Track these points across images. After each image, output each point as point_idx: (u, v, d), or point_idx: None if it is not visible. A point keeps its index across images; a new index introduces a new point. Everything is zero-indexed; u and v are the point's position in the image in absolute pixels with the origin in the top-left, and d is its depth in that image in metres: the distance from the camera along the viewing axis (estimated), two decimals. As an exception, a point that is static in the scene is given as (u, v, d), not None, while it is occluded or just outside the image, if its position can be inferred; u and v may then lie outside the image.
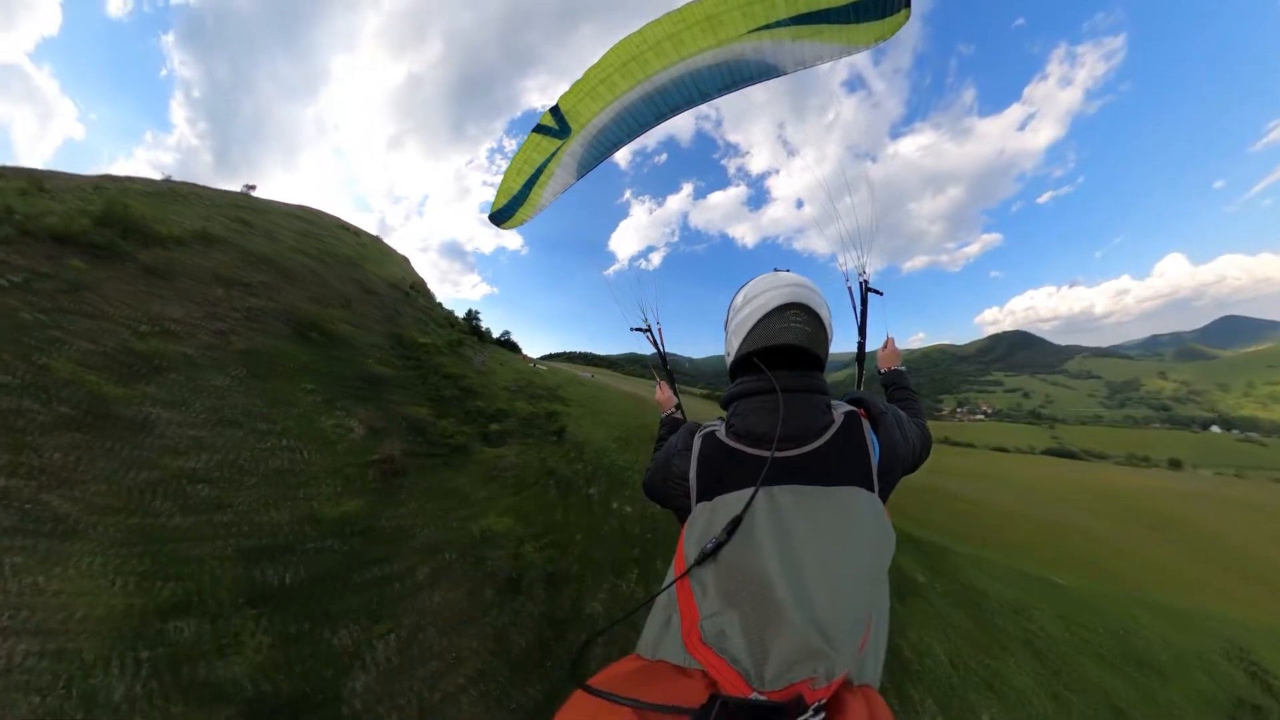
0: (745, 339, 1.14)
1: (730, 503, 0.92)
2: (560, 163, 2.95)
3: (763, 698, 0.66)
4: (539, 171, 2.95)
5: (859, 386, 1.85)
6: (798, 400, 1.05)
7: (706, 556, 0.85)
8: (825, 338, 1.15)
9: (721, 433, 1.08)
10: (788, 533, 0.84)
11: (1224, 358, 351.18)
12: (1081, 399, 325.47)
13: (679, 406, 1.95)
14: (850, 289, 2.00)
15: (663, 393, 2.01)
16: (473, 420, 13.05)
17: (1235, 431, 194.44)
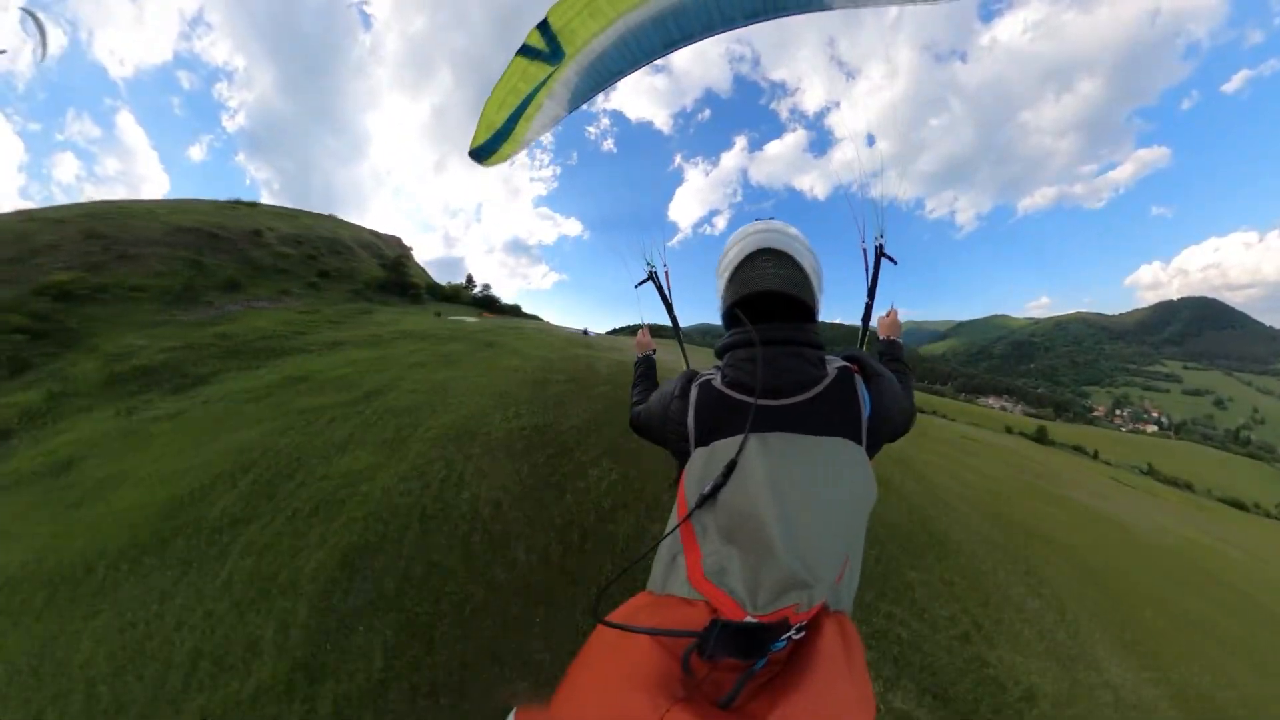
0: (726, 291, 1.20)
1: (726, 448, 1.00)
2: (551, 92, 2.55)
3: (755, 620, 0.78)
4: (526, 102, 2.54)
5: (860, 346, 1.84)
6: (782, 353, 1.08)
7: (705, 499, 0.95)
8: (805, 280, 1.15)
9: (717, 381, 1.13)
10: (778, 476, 0.92)
11: None
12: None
13: (654, 351, 1.95)
14: (865, 249, 1.93)
15: (644, 336, 2.02)
16: None
17: None
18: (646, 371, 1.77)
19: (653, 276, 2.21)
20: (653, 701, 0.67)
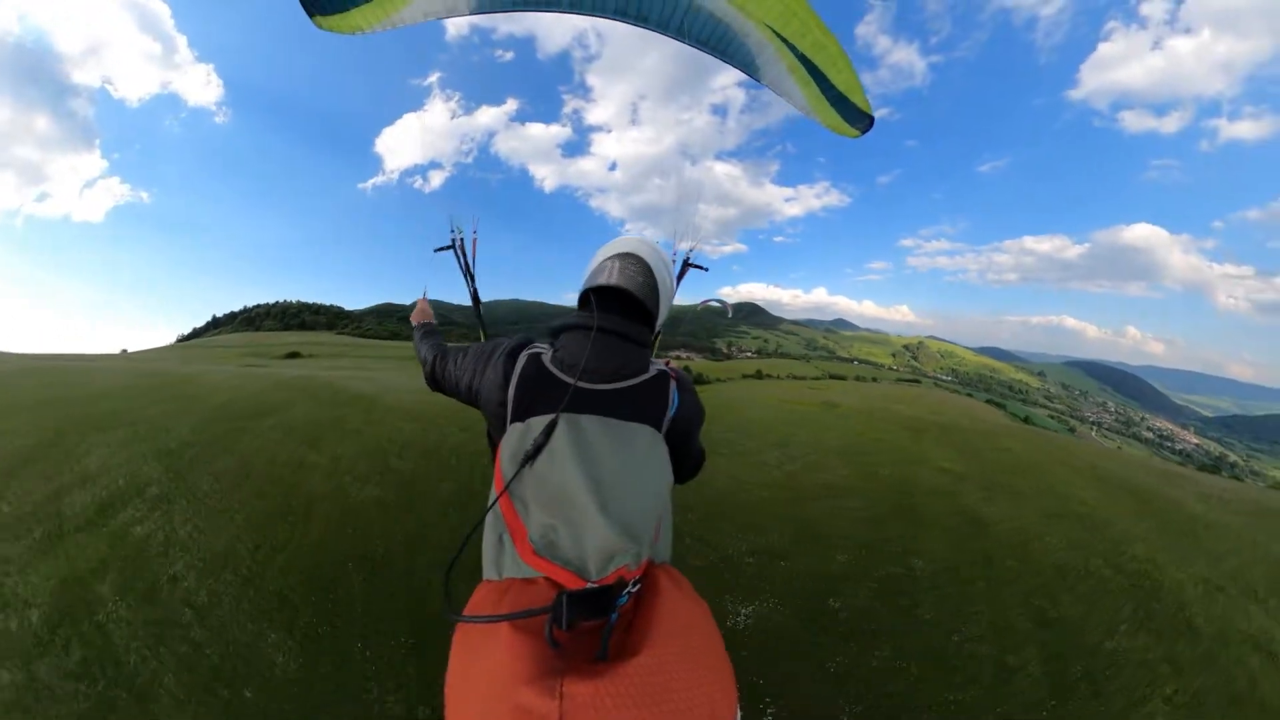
0: (588, 279, 1.27)
1: (539, 424, 1.04)
2: None
3: (596, 585, 0.84)
4: None
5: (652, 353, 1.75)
6: (614, 341, 1.15)
7: (520, 473, 1.00)
8: (654, 289, 1.25)
9: (547, 357, 1.16)
10: (590, 452, 0.99)
11: (841, 335, 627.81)
12: (794, 347, 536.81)
13: (434, 323, 1.78)
14: (674, 257, 2.04)
15: (424, 305, 1.88)
16: None
17: (855, 362, 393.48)
18: (430, 330, 1.70)
19: (457, 245, 1.98)
20: (543, 684, 0.68)
